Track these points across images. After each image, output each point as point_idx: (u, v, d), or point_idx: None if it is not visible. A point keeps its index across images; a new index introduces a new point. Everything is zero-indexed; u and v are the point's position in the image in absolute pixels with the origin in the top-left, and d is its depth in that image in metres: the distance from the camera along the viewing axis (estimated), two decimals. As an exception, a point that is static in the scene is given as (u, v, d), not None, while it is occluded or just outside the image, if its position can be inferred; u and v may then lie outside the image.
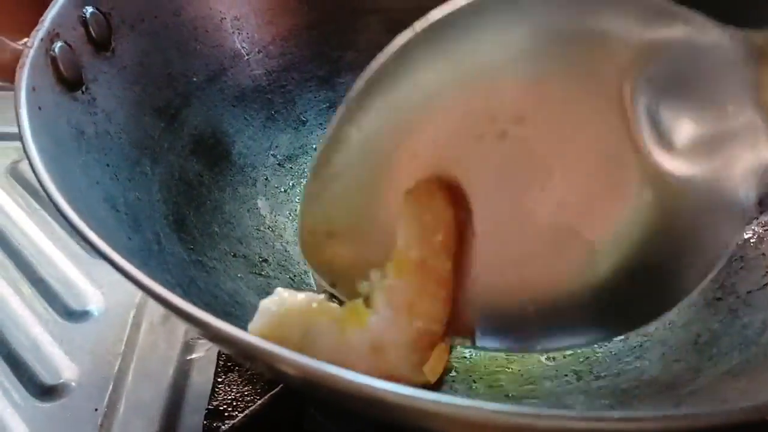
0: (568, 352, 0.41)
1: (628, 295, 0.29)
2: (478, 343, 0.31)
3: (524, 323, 0.29)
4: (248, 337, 0.24)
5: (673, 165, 0.25)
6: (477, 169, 0.27)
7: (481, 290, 0.29)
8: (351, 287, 0.30)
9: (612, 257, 0.27)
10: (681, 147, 0.25)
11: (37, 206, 0.57)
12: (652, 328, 0.42)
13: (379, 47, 0.59)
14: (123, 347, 0.47)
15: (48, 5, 0.38)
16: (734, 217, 0.25)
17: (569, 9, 0.24)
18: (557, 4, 0.25)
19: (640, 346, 0.40)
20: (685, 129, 0.25)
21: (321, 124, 0.55)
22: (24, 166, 0.60)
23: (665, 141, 0.25)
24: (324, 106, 0.56)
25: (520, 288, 0.29)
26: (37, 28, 0.36)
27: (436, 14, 0.27)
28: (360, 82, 0.29)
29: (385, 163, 0.28)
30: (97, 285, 0.51)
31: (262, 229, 0.47)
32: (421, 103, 0.27)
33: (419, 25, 0.27)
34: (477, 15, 0.25)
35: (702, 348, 0.39)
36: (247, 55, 0.53)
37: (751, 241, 0.43)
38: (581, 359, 0.41)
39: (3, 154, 0.61)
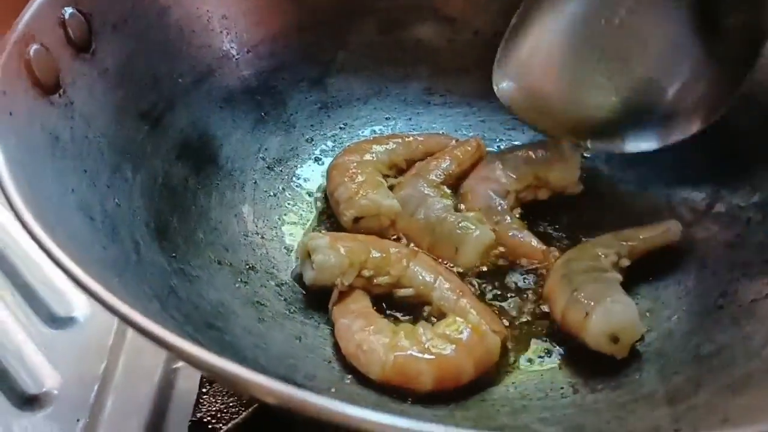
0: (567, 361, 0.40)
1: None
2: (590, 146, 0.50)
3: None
4: (217, 361, 0.22)
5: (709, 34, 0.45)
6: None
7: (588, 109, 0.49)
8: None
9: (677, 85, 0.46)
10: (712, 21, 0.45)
11: (24, 209, 0.56)
12: (651, 337, 0.41)
13: (372, 48, 0.58)
14: (107, 355, 0.46)
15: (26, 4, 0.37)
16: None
17: None
18: None
19: (640, 357, 0.39)
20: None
21: (312, 125, 0.54)
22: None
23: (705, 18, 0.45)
24: (315, 107, 0.54)
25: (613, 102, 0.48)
26: (11, 29, 0.35)
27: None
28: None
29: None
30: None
31: (249, 235, 0.45)
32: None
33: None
34: None
35: (702, 360, 0.37)
36: (236, 55, 0.51)
37: (755, 245, 0.42)
38: (580, 369, 0.39)
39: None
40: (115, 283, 0.27)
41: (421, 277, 0.42)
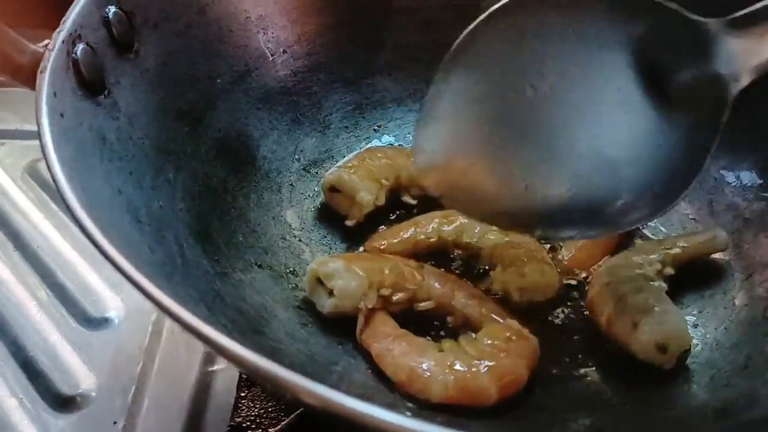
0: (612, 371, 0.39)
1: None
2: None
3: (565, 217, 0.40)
4: (279, 370, 0.22)
5: (661, 102, 0.37)
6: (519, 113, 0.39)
7: (537, 199, 0.39)
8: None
9: (627, 166, 0.38)
10: (664, 88, 0.37)
11: (56, 207, 0.55)
12: (698, 348, 0.40)
13: (408, 48, 0.57)
14: (143, 357, 0.45)
15: (69, 4, 0.37)
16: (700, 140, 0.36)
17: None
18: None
19: (687, 368, 0.38)
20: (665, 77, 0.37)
21: (347, 127, 0.53)
22: (43, 166, 0.58)
23: (656, 85, 0.37)
24: (350, 108, 0.54)
25: (564, 192, 0.39)
26: (58, 29, 0.34)
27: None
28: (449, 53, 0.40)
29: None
30: (117, 290, 0.49)
31: (288, 238, 0.45)
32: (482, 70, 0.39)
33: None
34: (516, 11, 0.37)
35: (754, 373, 0.36)
36: (272, 55, 0.51)
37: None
38: (626, 380, 0.39)
39: (21, 153, 0.60)
40: (167, 287, 0.27)
41: (438, 288, 0.41)
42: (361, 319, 0.39)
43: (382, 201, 0.47)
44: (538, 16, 0.37)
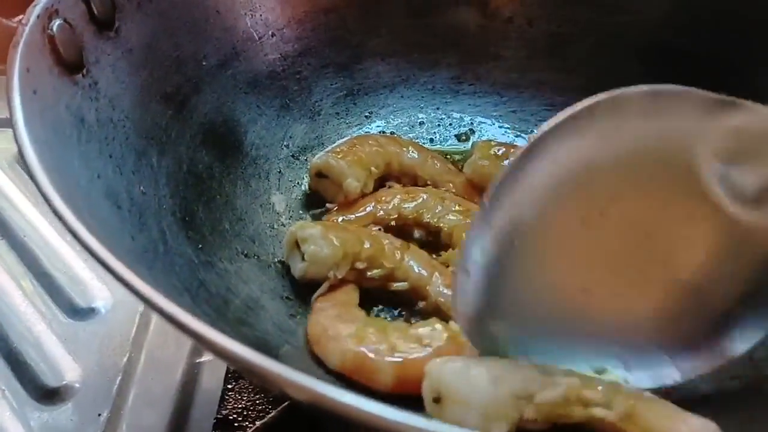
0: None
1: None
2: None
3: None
4: (258, 359, 0.21)
5: (747, 213, 0.32)
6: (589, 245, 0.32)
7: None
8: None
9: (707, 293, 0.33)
10: (751, 196, 0.31)
11: (42, 197, 0.54)
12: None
13: (401, 33, 0.56)
14: (129, 348, 0.44)
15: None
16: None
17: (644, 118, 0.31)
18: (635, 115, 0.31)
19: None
20: (750, 183, 0.31)
21: (338, 113, 0.52)
22: (29, 155, 0.57)
23: (737, 194, 0.31)
24: (341, 94, 0.53)
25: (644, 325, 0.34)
26: (33, 3, 0.33)
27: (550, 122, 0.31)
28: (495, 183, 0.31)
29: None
30: (104, 280, 0.48)
31: (276, 226, 0.44)
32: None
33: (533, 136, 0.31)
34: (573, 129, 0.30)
35: (759, 365, 0.35)
36: (261, 38, 0.49)
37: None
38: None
39: (10, 142, 0.58)
40: (147, 275, 0.26)
41: (416, 271, 0.40)
42: (324, 286, 0.39)
43: (369, 189, 0.46)
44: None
